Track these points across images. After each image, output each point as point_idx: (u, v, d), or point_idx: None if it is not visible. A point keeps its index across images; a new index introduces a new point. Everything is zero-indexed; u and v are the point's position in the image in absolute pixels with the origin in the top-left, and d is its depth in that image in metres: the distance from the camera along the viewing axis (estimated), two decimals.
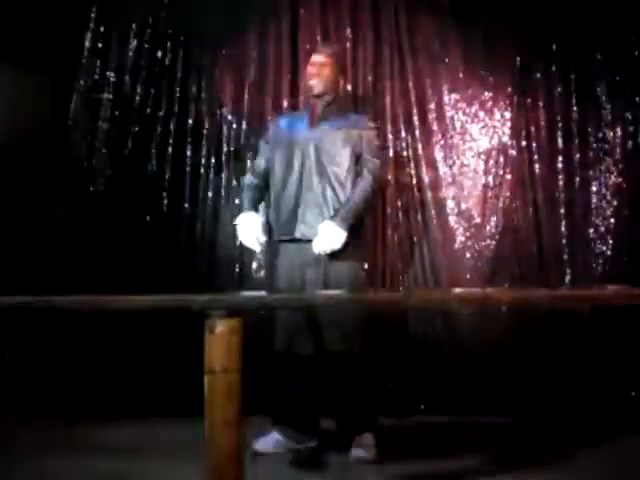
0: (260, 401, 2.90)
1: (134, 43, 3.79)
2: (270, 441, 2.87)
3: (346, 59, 3.67)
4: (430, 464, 2.69)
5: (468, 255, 3.62)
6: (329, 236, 2.77)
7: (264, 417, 2.95)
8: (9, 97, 3.43)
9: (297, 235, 2.88)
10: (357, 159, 2.93)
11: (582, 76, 3.59)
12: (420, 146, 3.69)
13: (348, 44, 3.77)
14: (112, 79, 3.76)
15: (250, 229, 2.88)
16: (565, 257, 3.53)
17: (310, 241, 2.82)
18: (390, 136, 3.73)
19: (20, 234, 3.44)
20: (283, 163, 2.96)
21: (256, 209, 2.99)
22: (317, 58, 3.08)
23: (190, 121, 3.84)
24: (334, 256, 2.82)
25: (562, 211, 3.56)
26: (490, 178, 3.64)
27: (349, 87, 3.73)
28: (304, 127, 3.00)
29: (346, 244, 2.82)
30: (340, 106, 3.08)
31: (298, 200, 2.89)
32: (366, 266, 3.22)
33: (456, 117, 3.70)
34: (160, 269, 3.63)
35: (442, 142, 3.70)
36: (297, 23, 3.82)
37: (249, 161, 3.66)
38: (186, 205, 3.80)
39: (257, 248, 2.88)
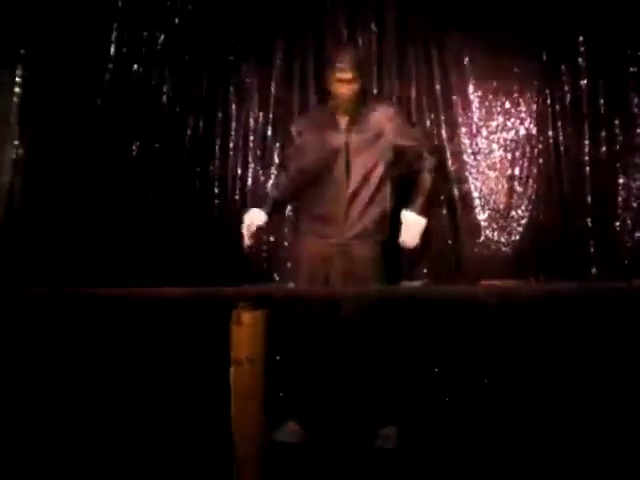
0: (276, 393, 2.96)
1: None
2: (289, 431, 2.91)
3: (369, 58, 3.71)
4: (452, 458, 2.68)
5: (494, 248, 3.61)
6: (413, 226, 2.96)
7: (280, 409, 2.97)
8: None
9: (346, 236, 2.96)
10: (396, 154, 3.06)
11: (609, 67, 3.52)
12: (445, 138, 3.69)
13: (373, 37, 3.78)
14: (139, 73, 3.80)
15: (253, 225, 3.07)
16: (592, 250, 3.49)
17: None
18: None
19: (51, 226, 3.49)
20: (318, 167, 3.05)
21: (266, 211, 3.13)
22: (345, 75, 3.01)
23: (220, 115, 3.93)
24: (357, 251, 2.89)
25: (589, 203, 3.51)
26: (516, 170, 3.62)
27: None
28: (334, 134, 3.05)
29: (371, 240, 2.90)
30: (367, 109, 3.11)
31: (339, 202, 2.98)
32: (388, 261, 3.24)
33: (482, 110, 3.68)
34: (189, 262, 3.69)
35: (468, 134, 3.69)
36: (323, 18, 3.85)
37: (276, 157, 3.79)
38: (216, 200, 3.89)
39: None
